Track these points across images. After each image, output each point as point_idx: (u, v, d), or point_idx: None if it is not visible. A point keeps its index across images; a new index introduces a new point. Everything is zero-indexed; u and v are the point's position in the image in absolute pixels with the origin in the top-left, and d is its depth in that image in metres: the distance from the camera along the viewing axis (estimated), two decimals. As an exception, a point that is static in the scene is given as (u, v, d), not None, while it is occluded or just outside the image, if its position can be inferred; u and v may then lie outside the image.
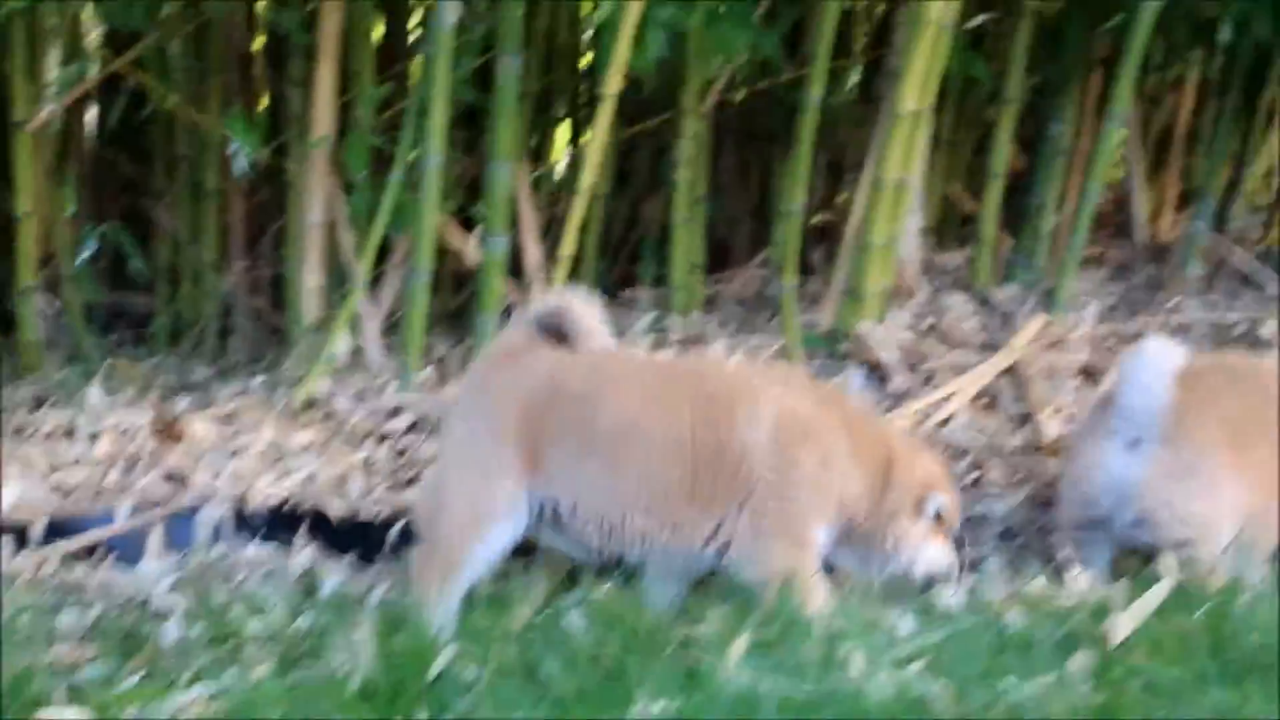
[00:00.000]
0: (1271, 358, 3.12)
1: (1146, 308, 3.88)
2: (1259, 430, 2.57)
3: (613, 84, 3.28)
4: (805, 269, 4.00)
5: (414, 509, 2.70)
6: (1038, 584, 2.54)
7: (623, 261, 4.40)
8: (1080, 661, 2.18)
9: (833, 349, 3.53)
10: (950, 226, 4.38)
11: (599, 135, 3.30)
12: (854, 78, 3.97)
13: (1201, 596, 2.40)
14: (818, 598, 2.39)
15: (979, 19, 3.74)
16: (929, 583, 2.52)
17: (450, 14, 3.19)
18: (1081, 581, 2.48)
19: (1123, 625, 2.25)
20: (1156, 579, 2.45)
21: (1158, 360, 2.55)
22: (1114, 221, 4.67)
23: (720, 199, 4.36)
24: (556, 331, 2.53)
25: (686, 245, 3.81)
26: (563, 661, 2.20)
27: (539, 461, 2.45)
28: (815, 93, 3.31)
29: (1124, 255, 4.40)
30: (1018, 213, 4.13)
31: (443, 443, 2.62)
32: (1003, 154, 3.92)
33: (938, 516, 2.49)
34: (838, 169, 4.28)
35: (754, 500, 2.42)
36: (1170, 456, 2.53)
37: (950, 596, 2.51)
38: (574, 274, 3.88)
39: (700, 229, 3.86)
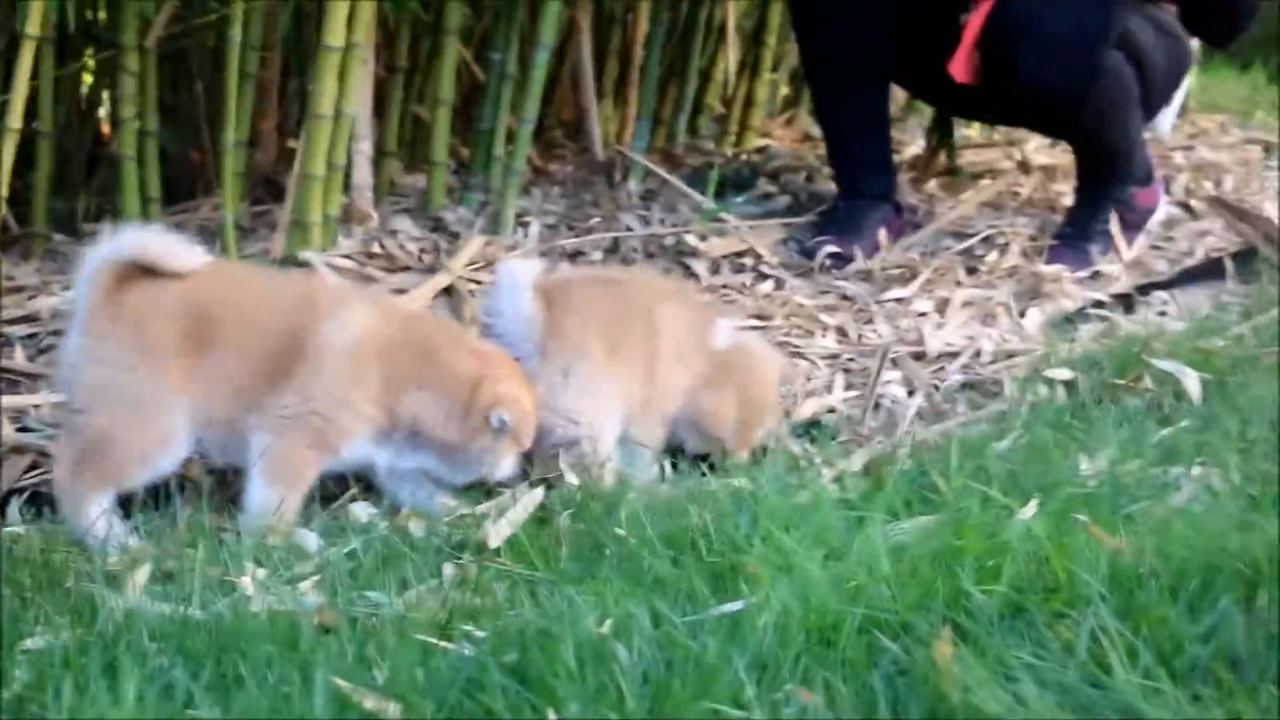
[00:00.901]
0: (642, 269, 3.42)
1: (586, 224, 4.13)
2: (626, 334, 2.81)
3: (34, 24, 3.26)
4: (275, 198, 4.09)
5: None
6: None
7: (92, 197, 4.35)
8: (454, 568, 2.37)
9: (281, 275, 3.63)
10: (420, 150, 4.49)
11: (22, 75, 3.28)
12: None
13: (588, 498, 2.63)
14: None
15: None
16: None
17: None
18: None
19: (498, 531, 2.45)
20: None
21: (515, 280, 2.75)
22: (578, 142, 4.91)
23: (184, 132, 4.39)
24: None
25: (137, 179, 3.81)
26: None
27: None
28: (235, 33, 3.39)
29: (579, 175, 4.64)
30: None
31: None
32: (447, 81, 4.05)
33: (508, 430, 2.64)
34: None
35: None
36: (547, 366, 2.74)
37: (361, 510, 2.68)
38: (25, 211, 3.89)
39: (154, 162, 3.86)
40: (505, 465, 2.70)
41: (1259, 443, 2.53)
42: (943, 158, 4.85)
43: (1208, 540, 2.08)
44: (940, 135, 4.86)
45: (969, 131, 5.24)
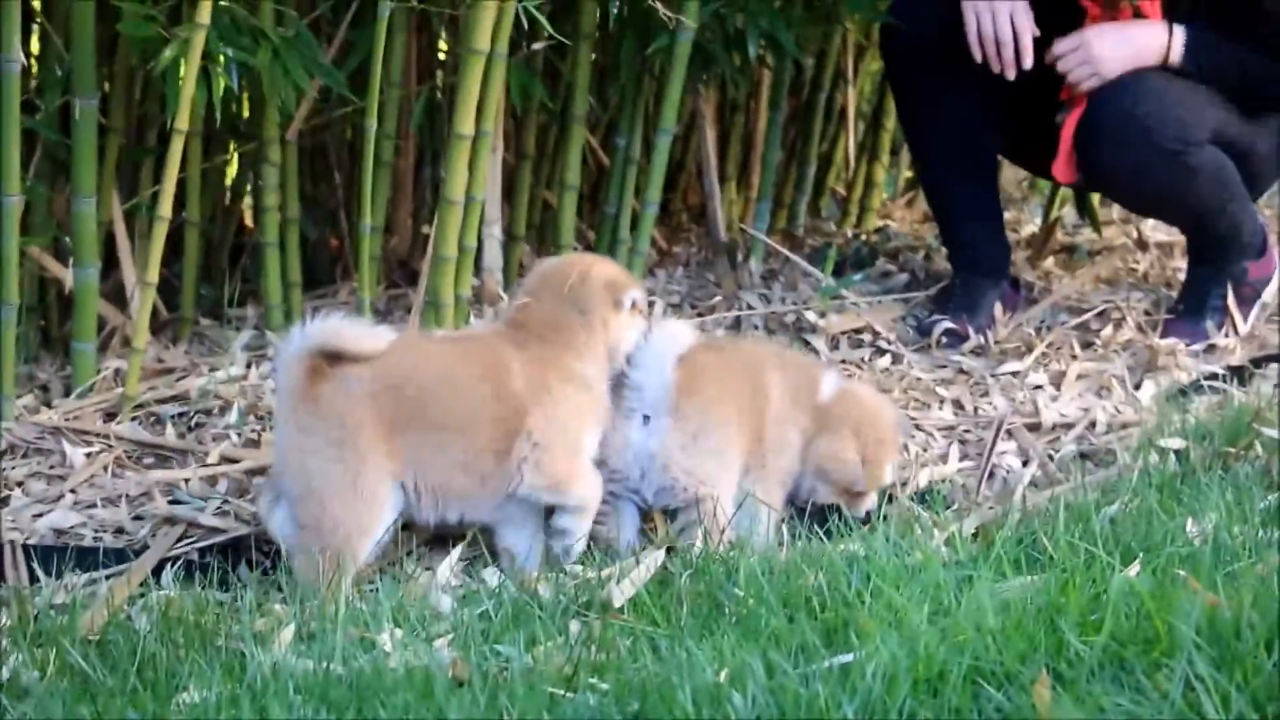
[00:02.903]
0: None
1: (708, 303, 4.26)
2: (748, 398, 2.94)
3: (182, 120, 3.47)
4: (410, 282, 4.29)
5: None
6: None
7: (236, 283, 4.55)
8: (580, 625, 2.49)
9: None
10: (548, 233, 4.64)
11: (171, 168, 3.49)
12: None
13: (709, 560, 2.74)
14: None
15: (537, 45, 4.03)
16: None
17: (16, 59, 3.35)
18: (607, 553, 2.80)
19: (622, 591, 2.57)
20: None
21: (668, 344, 2.90)
22: (702, 225, 5.04)
23: (323, 220, 4.59)
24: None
25: (279, 265, 4.01)
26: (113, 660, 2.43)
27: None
28: (371, 122, 3.57)
29: (702, 256, 4.79)
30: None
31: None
32: (574, 166, 4.21)
33: None
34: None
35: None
36: (678, 426, 2.88)
37: (492, 576, 2.82)
38: (173, 297, 4.10)
39: (295, 248, 4.05)
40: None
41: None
42: (1059, 236, 4.94)
43: (1304, 594, 2.14)
44: (1081, 215, 4.98)
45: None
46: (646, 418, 2.89)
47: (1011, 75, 3.78)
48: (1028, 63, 3.76)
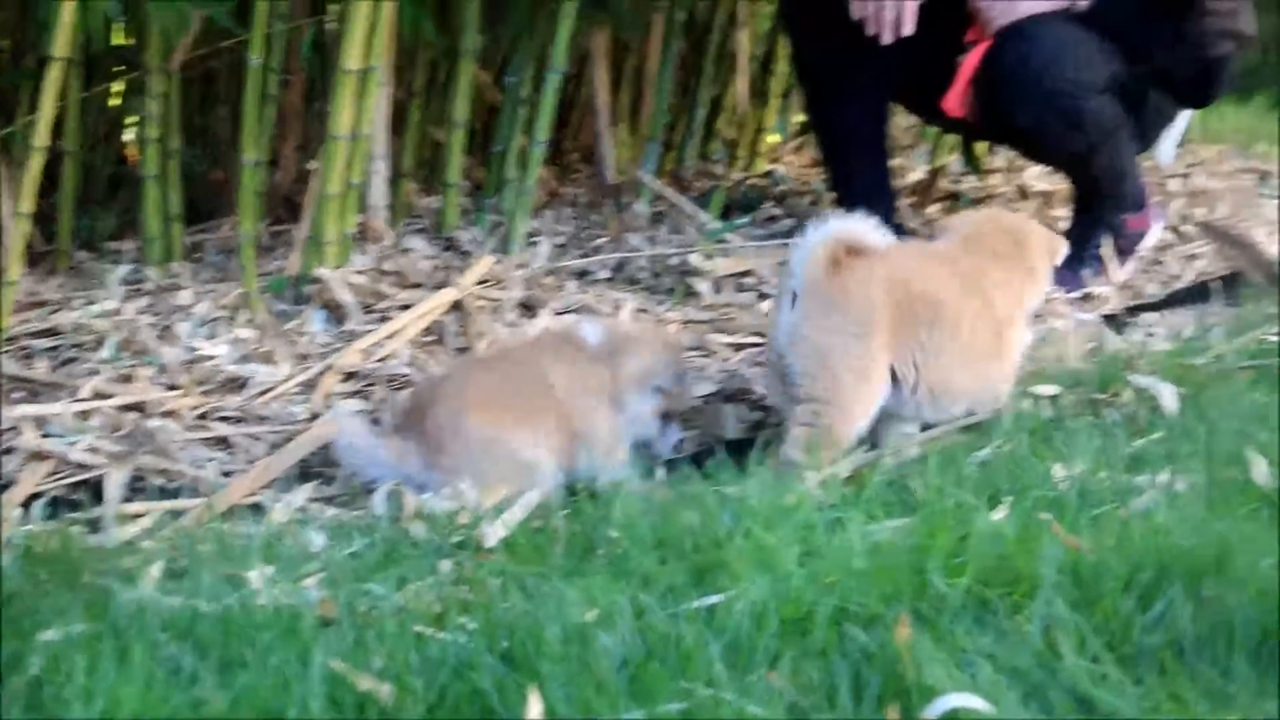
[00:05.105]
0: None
1: (593, 244, 4.26)
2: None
3: (61, 46, 3.40)
4: (294, 217, 4.23)
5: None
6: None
7: (113, 214, 4.49)
8: (450, 565, 2.49)
9: (297, 292, 3.75)
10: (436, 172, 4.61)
11: (49, 96, 3.42)
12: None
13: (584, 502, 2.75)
14: None
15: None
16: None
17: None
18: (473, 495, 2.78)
19: (494, 531, 2.57)
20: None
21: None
22: (593, 166, 5.03)
23: (207, 153, 4.53)
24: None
25: (160, 198, 3.95)
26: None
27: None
28: (255, 55, 3.52)
29: (590, 197, 4.77)
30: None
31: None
32: (462, 104, 4.18)
33: None
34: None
35: None
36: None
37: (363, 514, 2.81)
38: (48, 228, 4.03)
39: (176, 181, 3.99)
40: None
41: (1222, 450, 2.63)
42: (943, 183, 4.97)
43: (1162, 539, 2.18)
44: (967, 164, 5.02)
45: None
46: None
47: (888, 39, 3.78)
48: (908, 29, 3.77)
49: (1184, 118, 5.09)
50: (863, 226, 2.92)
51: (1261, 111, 7.32)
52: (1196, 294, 3.90)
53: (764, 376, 3.11)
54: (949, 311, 2.90)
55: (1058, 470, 2.62)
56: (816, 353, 2.83)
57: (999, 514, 2.39)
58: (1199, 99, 4.18)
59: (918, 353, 2.88)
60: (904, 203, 4.70)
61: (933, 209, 4.78)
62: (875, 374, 2.85)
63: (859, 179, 4.24)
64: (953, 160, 5.17)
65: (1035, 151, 4.25)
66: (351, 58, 3.61)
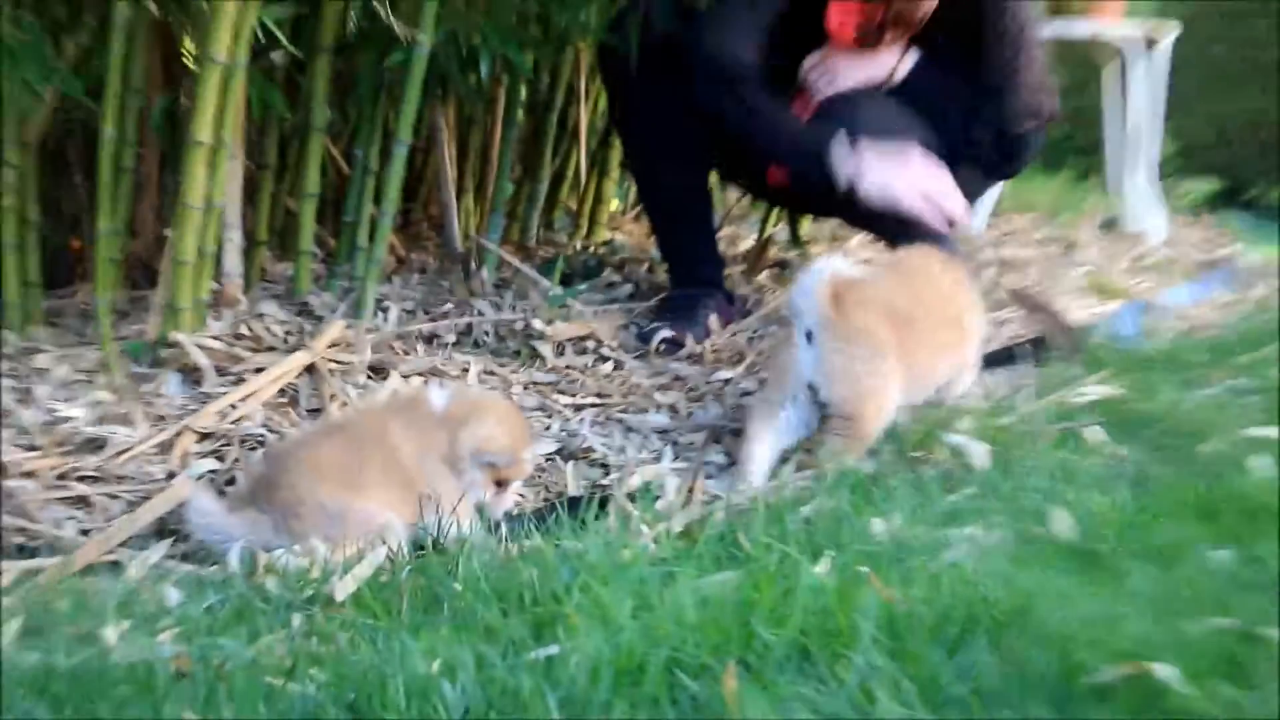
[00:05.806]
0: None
1: (441, 309, 4.39)
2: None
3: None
4: (151, 283, 4.30)
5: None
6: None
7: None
8: (301, 618, 2.60)
9: (154, 356, 3.84)
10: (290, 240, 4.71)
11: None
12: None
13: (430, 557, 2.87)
14: None
15: (275, 56, 4.10)
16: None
17: None
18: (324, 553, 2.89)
19: (343, 586, 2.69)
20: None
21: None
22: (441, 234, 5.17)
23: (63, 222, 4.59)
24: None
25: (19, 266, 4.02)
26: None
27: None
28: (109, 127, 3.62)
29: (438, 265, 4.92)
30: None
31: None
32: (313, 176, 4.30)
33: None
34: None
35: None
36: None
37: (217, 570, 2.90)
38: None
39: (34, 249, 4.06)
40: None
41: (1028, 506, 2.83)
42: (772, 252, 5.21)
43: (969, 590, 2.36)
44: (793, 241, 5.26)
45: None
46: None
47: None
48: None
49: (995, 190, 5.38)
50: (843, 263, 3.38)
51: (1069, 183, 7.71)
52: (1006, 357, 4.10)
53: (756, 404, 3.44)
54: (923, 314, 3.45)
55: (876, 524, 2.80)
56: (845, 377, 3.26)
57: (821, 567, 2.55)
58: (1005, 172, 4.45)
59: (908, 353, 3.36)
60: (736, 270, 4.91)
61: (762, 277, 4.99)
62: (893, 385, 3.31)
63: (690, 254, 4.46)
64: (780, 229, 5.42)
65: (856, 220, 4.45)
66: (202, 131, 3.71)
